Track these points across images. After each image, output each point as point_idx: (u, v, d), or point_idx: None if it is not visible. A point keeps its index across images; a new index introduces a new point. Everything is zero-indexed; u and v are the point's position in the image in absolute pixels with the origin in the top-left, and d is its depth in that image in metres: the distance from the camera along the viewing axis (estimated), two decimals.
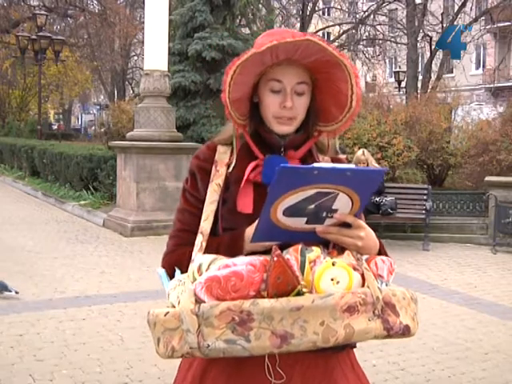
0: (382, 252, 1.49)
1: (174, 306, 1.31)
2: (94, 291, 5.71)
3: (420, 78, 21.02)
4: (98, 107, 43.86)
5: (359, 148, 8.83)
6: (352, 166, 1.33)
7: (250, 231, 1.40)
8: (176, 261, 1.48)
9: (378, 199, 8.02)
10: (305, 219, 1.33)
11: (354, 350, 1.56)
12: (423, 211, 8.36)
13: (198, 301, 1.25)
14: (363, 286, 1.30)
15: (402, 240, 8.73)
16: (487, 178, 8.82)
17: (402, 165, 9.67)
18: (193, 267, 1.34)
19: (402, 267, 6.98)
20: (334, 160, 1.62)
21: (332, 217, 1.34)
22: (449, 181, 11.41)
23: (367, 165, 8.11)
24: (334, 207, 1.32)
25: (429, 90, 16.40)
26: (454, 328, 4.84)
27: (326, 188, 1.27)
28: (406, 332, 1.31)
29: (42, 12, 20.72)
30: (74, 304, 5.25)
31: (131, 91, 31.23)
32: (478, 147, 9.99)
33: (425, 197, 8.44)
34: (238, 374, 1.41)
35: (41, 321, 4.74)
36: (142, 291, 5.65)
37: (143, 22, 12.07)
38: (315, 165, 1.27)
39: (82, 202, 11.20)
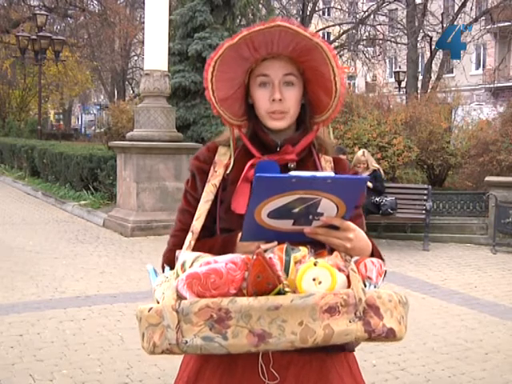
0: (375, 254, 1.47)
1: (158, 302, 1.32)
2: (94, 291, 5.71)
3: (420, 78, 21.01)
4: (98, 107, 43.84)
5: (359, 148, 8.83)
6: (331, 173, 1.32)
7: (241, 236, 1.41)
8: (173, 260, 1.49)
9: (378, 199, 8.02)
10: (291, 221, 1.33)
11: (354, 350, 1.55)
12: (423, 211, 8.36)
13: (181, 297, 1.25)
14: (349, 287, 1.28)
15: (402, 240, 8.73)
16: (487, 178, 8.82)
17: (402, 165, 9.67)
18: (177, 264, 1.35)
19: (402, 267, 6.98)
20: (335, 160, 1.61)
21: (319, 219, 1.34)
22: (449, 181, 11.41)
23: (367, 165, 8.12)
24: (319, 211, 1.32)
25: (429, 90, 16.39)
26: (454, 328, 4.84)
27: (308, 194, 1.27)
28: (390, 335, 1.28)
29: (42, 12, 20.71)
30: (73, 304, 5.25)
31: (131, 91, 31.23)
32: (478, 147, 9.98)
33: (425, 197, 8.45)
34: (232, 374, 1.41)
35: (41, 321, 4.74)
36: (142, 291, 5.64)
37: (143, 22, 12.09)
38: (292, 173, 1.27)
39: (82, 202, 11.20)
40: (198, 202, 1.53)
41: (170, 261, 1.51)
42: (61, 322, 4.74)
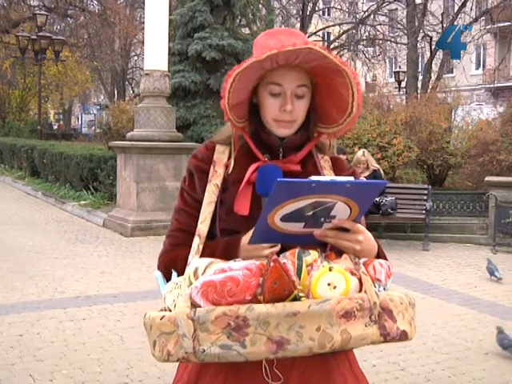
0: (380, 255, 1.48)
1: (169, 310, 1.30)
2: (94, 291, 5.71)
3: (420, 78, 21.01)
4: (98, 107, 43.82)
5: (359, 148, 8.83)
6: (350, 178, 1.32)
7: (245, 239, 1.40)
8: (171, 260, 1.48)
9: (378, 199, 8.01)
10: (302, 224, 1.33)
11: (354, 350, 1.55)
12: (423, 211, 8.36)
13: (194, 305, 1.24)
14: (361, 290, 1.29)
15: (401, 240, 8.73)
16: (487, 178, 8.82)
17: (402, 165, 9.67)
18: (189, 271, 1.33)
19: (402, 267, 6.98)
20: (333, 160, 1.61)
21: (330, 222, 1.34)
22: (449, 181, 11.41)
23: (367, 166, 8.12)
24: (332, 214, 1.32)
25: (429, 90, 16.39)
26: (454, 328, 4.84)
27: (324, 198, 1.27)
28: (402, 337, 1.31)
29: (42, 12, 20.71)
30: (73, 304, 5.25)
31: (131, 91, 31.22)
32: (478, 147, 9.99)
33: (425, 197, 8.45)
34: (235, 374, 1.40)
35: (41, 321, 4.74)
36: (141, 291, 5.65)
37: (143, 22, 12.08)
38: (313, 178, 1.27)
39: (82, 202, 11.21)
40: (196, 201, 1.52)
41: (166, 263, 1.49)
42: (61, 322, 4.74)
